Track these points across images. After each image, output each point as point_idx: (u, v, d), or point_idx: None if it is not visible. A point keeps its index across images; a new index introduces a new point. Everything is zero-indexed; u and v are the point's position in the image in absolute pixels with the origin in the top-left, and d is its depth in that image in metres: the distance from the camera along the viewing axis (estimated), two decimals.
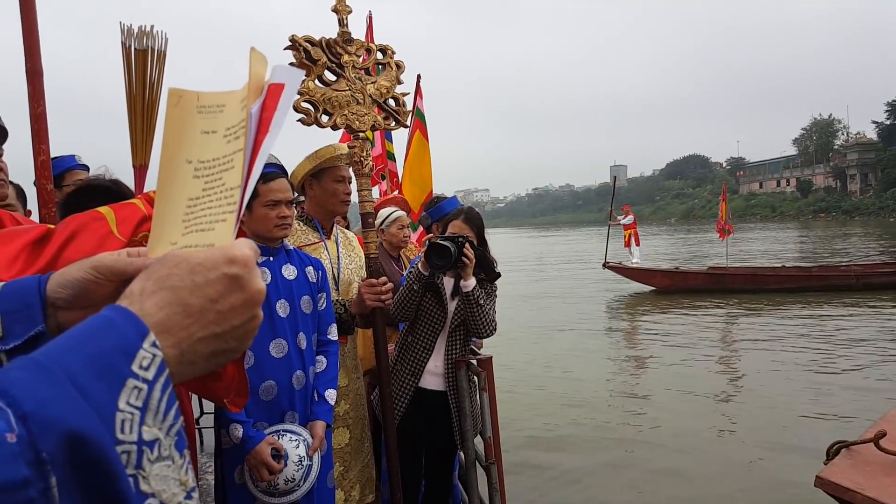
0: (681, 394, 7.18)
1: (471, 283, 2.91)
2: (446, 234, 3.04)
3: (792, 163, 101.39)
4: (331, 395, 2.46)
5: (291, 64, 2.37)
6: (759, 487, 4.78)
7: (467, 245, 2.88)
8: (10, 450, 0.39)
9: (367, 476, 2.86)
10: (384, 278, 2.63)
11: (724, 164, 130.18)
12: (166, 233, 0.64)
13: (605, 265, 17.09)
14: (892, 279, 14.12)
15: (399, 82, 2.67)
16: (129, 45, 2.44)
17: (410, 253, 4.11)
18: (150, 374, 0.47)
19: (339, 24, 2.49)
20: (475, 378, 3.05)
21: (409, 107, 2.75)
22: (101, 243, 1.24)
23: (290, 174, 2.70)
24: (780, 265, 17.53)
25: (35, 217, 2.48)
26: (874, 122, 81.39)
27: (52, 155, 2.25)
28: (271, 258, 2.41)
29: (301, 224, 2.84)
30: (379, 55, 2.64)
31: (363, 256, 2.83)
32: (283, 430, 2.27)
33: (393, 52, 2.66)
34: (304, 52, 2.37)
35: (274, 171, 2.35)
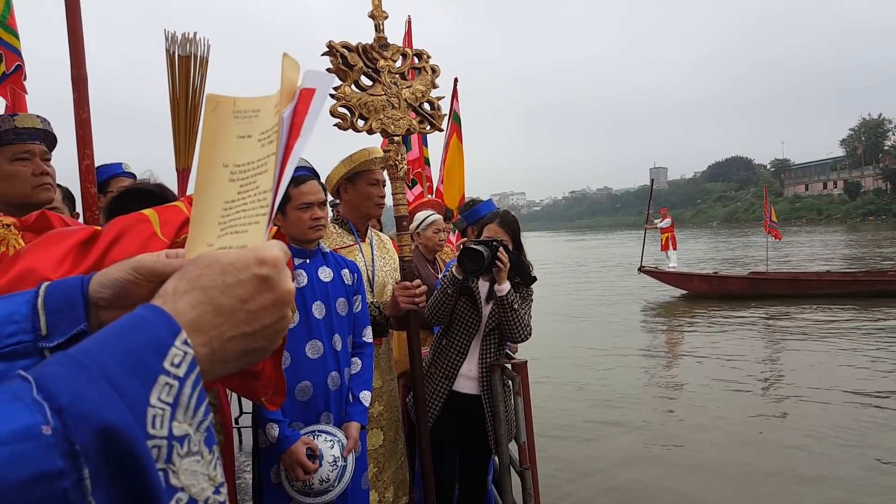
0: (718, 402, 7.02)
1: (505, 287, 2.90)
2: (481, 238, 3.03)
3: (839, 164, 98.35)
4: (365, 396, 2.48)
5: (328, 69, 2.40)
6: None
7: (501, 249, 2.87)
8: (46, 441, 0.40)
9: (401, 478, 2.88)
10: (418, 281, 2.64)
11: (768, 166, 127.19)
12: (203, 234, 0.66)
13: (641, 269, 16.78)
14: None
15: (434, 86, 2.69)
16: (173, 52, 2.50)
17: (446, 256, 4.11)
18: (181, 371, 0.48)
19: (376, 30, 2.52)
20: (510, 382, 3.04)
21: (445, 110, 2.76)
22: (145, 244, 1.28)
23: (325, 178, 2.73)
24: (825, 270, 16.99)
25: (83, 219, 2.56)
26: None
27: (100, 162, 2.32)
28: (307, 260, 2.44)
29: (336, 227, 2.87)
30: (415, 60, 2.66)
31: (397, 259, 2.85)
32: (319, 431, 2.30)
33: (428, 57, 2.68)
34: (341, 58, 2.41)
35: (305, 174, 2.39)
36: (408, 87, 2.58)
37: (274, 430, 2.21)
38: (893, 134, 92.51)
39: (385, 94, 2.50)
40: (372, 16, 2.51)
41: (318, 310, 2.39)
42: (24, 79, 4.11)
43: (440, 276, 3.58)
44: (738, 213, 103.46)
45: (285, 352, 2.27)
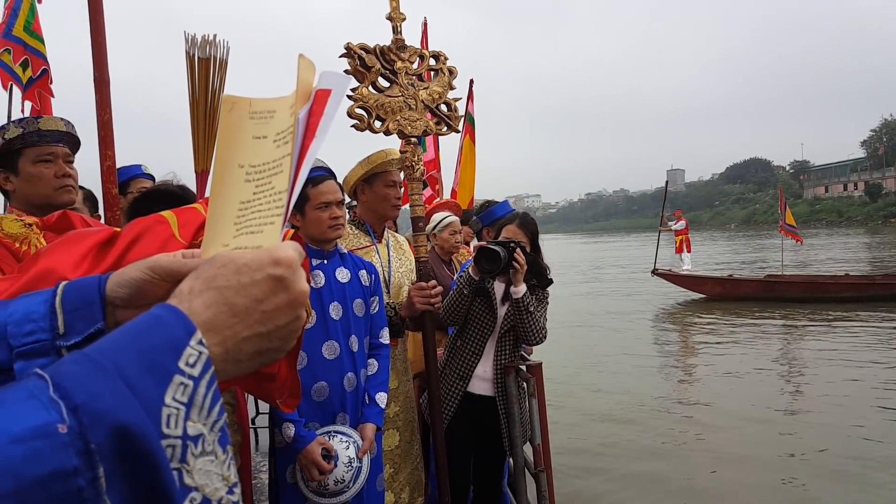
0: (731, 408, 6.93)
1: (521, 289, 2.89)
2: (499, 239, 3.02)
3: (860, 166, 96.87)
4: (381, 398, 2.49)
5: (346, 71, 2.41)
6: None
7: (518, 251, 2.86)
8: (62, 439, 0.40)
9: (417, 479, 2.88)
10: (434, 282, 2.64)
11: (787, 168, 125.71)
12: (219, 235, 0.66)
13: (654, 272, 16.60)
14: None
15: (451, 88, 2.69)
16: (193, 54, 2.52)
17: (462, 257, 4.11)
18: (196, 371, 0.48)
19: (394, 32, 2.53)
20: (524, 384, 3.03)
21: (461, 112, 2.76)
22: (163, 246, 1.29)
23: (342, 179, 2.74)
24: (843, 273, 16.70)
25: (105, 220, 2.60)
26: None
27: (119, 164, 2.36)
28: (325, 261, 2.45)
29: (353, 228, 2.88)
30: (432, 61, 2.67)
31: (413, 260, 2.85)
32: (334, 432, 2.30)
33: (446, 58, 2.68)
34: (359, 60, 2.42)
35: (322, 174, 2.40)
36: (425, 88, 2.59)
37: (290, 429, 2.22)
38: None
39: (402, 95, 2.51)
40: (390, 18, 2.52)
41: (335, 310, 2.40)
42: (51, 82, 4.18)
43: (456, 277, 3.58)
44: (756, 216, 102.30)
45: (302, 352, 2.28)
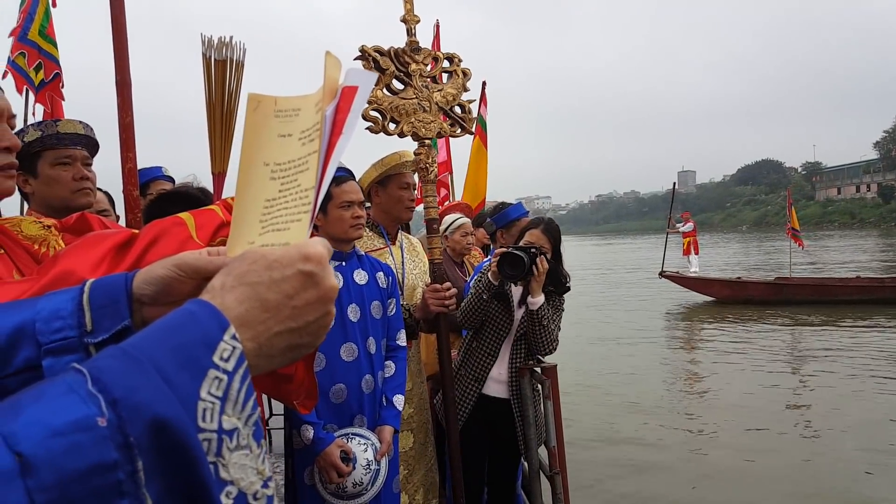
0: (740, 412, 6.88)
1: (538, 300, 2.87)
2: (521, 244, 3.00)
3: (873, 167, 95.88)
4: (399, 400, 2.49)
5: None
6: None
7: (541, 258, 2.82)
8: (102, 433, 0.41)
9: (431, 480, 2.87)
10: (448, 283, 2.64)
11: (800, 169, 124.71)
12: (244, 232, 0.66)
13: (662, 274, 16.51)
14: None
15: (465, 89, 2.69)
16: (209, 56, 2.54)
17: (474, 259, 4.10)
18: (230, 366, 0.49)
19: (408, 34, 2.53)
20: (539, 386, 3.02)
21: (475, 114, 2.76)
22: (181, 247, 1.29)
23: (356, 181, 2.75)
24: (855, 275, 16.52)
25: (122, 222, 2.62)
26: None
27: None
28: (343, 263, 2.45)
29: (367, 230, 2.89)
30: (446, 63, 2.67)
31: (427, 262, 2.85)
32: (352, 434, 2.31)
33: (460, 60, 2.68)
34: (373, 62, 2.42)
35: (343, 174, 2.41)
36: (439, 90, 2.59)
37: (309, 431, 2.22)
38: None
39: (416, 97, 2.51)
40: (404, 20, 2.52)
41: (352, 312, 2.40)
42: (62, 86, 4.23)
43: (469, 280, 3.57)
44: (768, 217, 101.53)
45: (320, 354, 2.29)
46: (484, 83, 5.59)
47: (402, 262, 2.92)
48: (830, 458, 5.44)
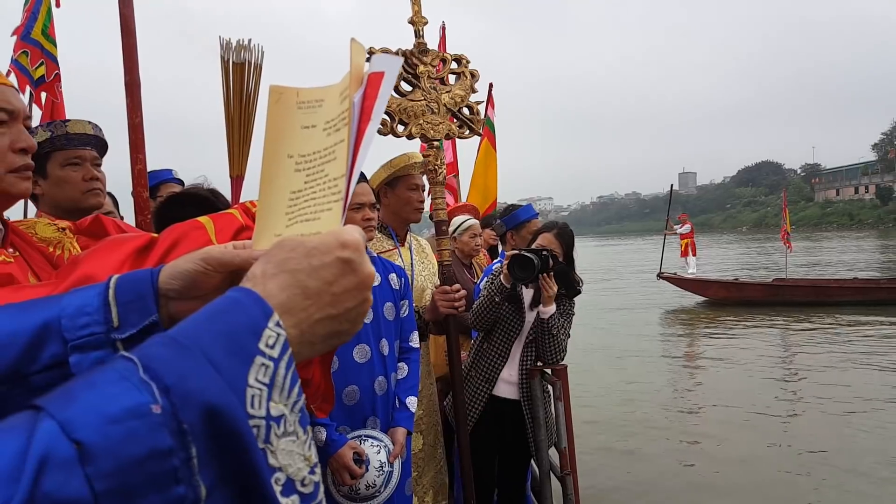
0: (738, 414, 6.85)
1: (550, 310, 2.88)
2: (533, 247, 3.00)
3: (871, 169, 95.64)
4: (412, 402, 2.48)
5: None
6: None
7: (545, 277, 2.84)
8: (156, 420, 0.41)
9: (440, 482, 2.87)
10: (457, 285, 2.64)
11: (799, 171, 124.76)
12: (270, 225, 0.66)
13: (660, 275, 16.52)
14: None
15: (473, 91, 2.69)
16: (227, 59, 2.54)
17: (482, 261, 4.10)
18: (275, 353, 0.49)
19: (416, 36, 2.53)
20: (549, 387, 3.01)
21: (482, 115, 2.76)
22: None
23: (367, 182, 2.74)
24: (852, 276, 16.48)
25: (129, 223, 2.62)
26: None
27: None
28: None
29: (376, 232, 2.89)
30: (454, 64, 2.67)
31: (436, 263, 2.85)
32: (365, 436, 2.30)
33: (468, 62, 2.68)
34: None
35: None
36: (447, 92, 2.59)
37: (321, 433, 2.21)
38: None
39: (424, 99, 2.51)
40: (412, 21, 2.52)
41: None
42: (59, 86, 4.23)
43: (478, 281, 3.57)
44: (767, 219, 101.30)
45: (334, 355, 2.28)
46: (491, 85, 5.59)
47: (412, 264, 2.92)
48: (831, 460, 5.43)
